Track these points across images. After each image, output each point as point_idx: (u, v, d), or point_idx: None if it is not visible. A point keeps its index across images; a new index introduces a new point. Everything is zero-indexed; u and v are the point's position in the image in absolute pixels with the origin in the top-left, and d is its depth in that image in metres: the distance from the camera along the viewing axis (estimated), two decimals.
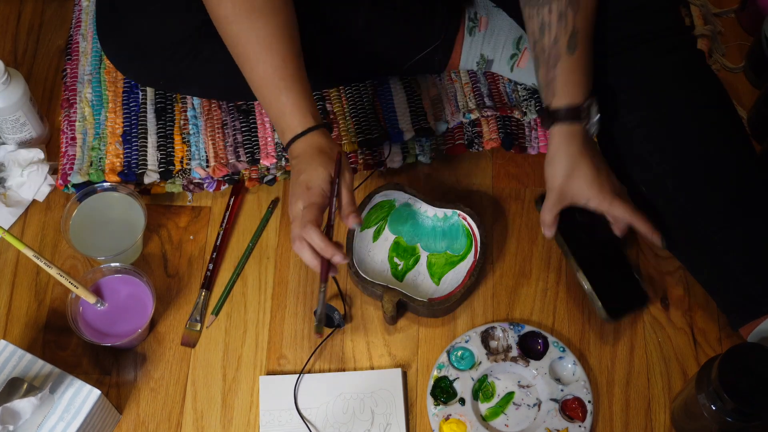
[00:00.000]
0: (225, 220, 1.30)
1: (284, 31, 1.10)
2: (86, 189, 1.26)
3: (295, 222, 1.09)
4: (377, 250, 1.26)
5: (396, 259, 1.26)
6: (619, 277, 1.23)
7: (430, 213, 1.27)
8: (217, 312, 1.25)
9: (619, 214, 1.15)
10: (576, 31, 1.11)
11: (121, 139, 1.33)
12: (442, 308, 1.21)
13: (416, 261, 1.26)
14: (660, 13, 1.17)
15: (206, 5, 1.12)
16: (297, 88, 1.10)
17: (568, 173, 1.13)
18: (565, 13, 1.11)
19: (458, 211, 1.26)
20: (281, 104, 1.11)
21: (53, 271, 1.13)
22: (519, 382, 1.19)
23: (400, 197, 1.26)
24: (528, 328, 1.21)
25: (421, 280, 1.25)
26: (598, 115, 1.14)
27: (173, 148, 1.32)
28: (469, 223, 1.26)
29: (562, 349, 1.20)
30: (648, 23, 1.16)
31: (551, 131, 1.14)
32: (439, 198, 1.29)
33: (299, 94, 1.10)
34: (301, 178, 1.09)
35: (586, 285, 1.20)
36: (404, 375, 1.20)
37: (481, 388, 1.19)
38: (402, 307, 1.22)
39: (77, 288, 1.15)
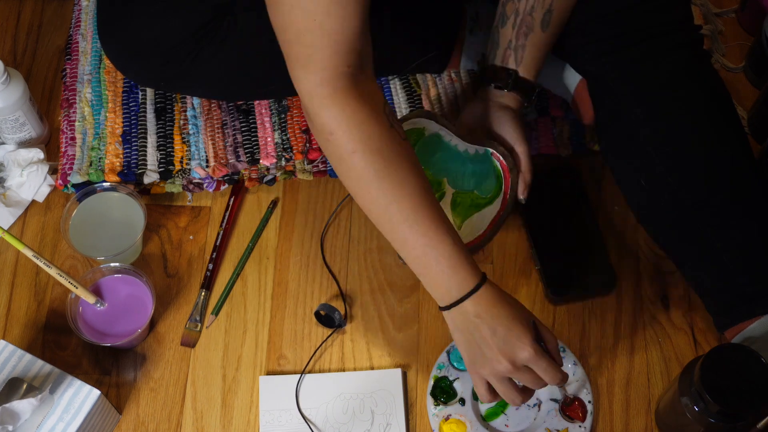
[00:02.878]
0: (225, 220, 1.30)
1: (425, 184, 0.99)
2: (86, 189, 1.26)
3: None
4: None
5: None
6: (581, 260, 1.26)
7: (460, 148, 1.17)
8: (217, 312, 1.25)
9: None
10: (552, 9, 1.13)
11: (120, 139, 1.33)
12: None
13: (441, 197, 1.17)
14: (670, 8, 1.16)
15: (343, 156, 0.98)
16: (451, 241, 0.99)
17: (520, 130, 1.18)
18: None
19: (492, 150, 1.15)
20: (441, 266, 0.99)
21: (53, 271, 1.13)
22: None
23: (430, 127, 1.15)
24: None
25: None
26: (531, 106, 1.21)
27: (173, 148, 1.32)
28: (502, 165, 1.16)
29: (562, 349, 1.20)
30: (658, 18, 1.16)
31: (504, 93, 1.17)
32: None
33: (456, 247, 0.99)
34: (509, 352, 1.00)
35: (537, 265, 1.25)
36: (404, 375, 1.20)
37: None
38: None
39: (77, 288, 1.15)
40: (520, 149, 1.17)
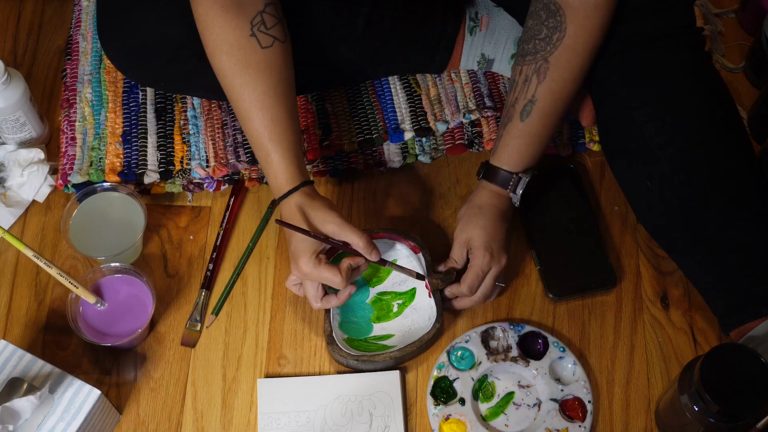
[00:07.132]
0: (225, 220, 1.30)
1: (278, 89, 1.11)
2: (86, 189, 1.26)
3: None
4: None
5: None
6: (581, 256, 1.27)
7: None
8: (217, 312, 1.25)
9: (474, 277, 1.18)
10: (534, 100, 1.14)
11: (121, 139, 1.33)
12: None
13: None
14: (675, 9, 1.16)
15: (207, 56, 1.13)
16: (283, 149, 1.11)
17: (477, 235, 1.17)
18: (531, 77, 1.13)
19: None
20: (269, 164, 1.12)
21: (53, 271, 1.13)
22: (519, 382, 1.19)
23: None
24: (528, 328, 1.21)
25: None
26: (521, 191, 1.17)
27: (173, 148, 1.32)
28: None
29: (562, 349, 1.20)
30: (660, 20, 1.16)
31: (478, 184, 1.20)
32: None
33: (284, 155, 1.11)
34: (291, 249, 1.13)
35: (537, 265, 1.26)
36: (403, 376, 1.20)
37: (481, 388, 1.19)
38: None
39: (77, 288, 1.15)
40: (473, 261, 1.17)
